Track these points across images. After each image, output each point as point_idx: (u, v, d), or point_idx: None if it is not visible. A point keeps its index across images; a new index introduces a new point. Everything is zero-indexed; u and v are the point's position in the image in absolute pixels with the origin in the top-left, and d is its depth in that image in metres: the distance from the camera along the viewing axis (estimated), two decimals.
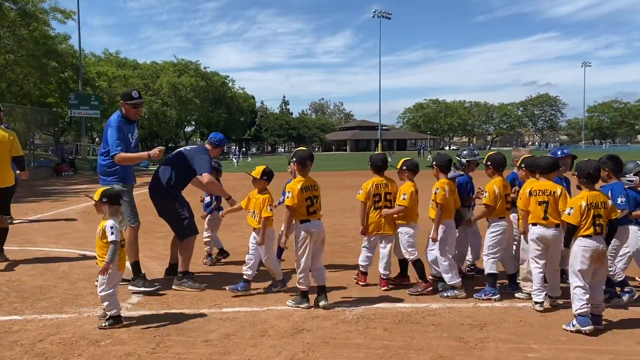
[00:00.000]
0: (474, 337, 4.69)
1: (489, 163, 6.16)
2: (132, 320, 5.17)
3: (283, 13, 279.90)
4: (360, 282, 6.45)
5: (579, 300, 4.83)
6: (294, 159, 5.70)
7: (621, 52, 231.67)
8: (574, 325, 4.81)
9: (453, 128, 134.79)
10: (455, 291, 5.90)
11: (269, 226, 5.92)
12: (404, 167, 6.33)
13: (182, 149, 6.89)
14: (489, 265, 5.96)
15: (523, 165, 6.15)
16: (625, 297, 5.67)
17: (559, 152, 6.39)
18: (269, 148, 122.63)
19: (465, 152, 6.87)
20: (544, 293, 5.48)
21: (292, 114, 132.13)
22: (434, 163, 6.26)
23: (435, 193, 5.93)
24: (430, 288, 6.06)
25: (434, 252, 6.09)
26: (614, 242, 5.52)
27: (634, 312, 5.36)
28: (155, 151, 6.06)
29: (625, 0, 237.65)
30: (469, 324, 5.03)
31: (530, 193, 5.71)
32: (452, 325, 5.02)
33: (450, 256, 6.02)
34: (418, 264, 6.13)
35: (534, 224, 5.55)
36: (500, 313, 5.37)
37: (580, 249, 4.93)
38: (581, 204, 4.94)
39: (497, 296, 5.82)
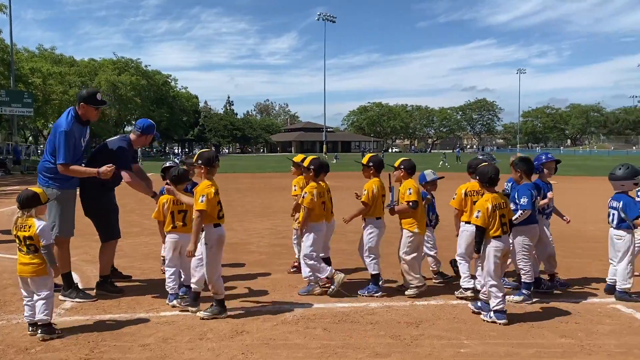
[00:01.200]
0: (410, 334, 4.84)
1: (370, 164, 6.27)
2: (65, 326, 4.99)
3: (227, 13, 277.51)
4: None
5: (495, 297, 5.17)
6: (200, 161, 5.40)
7: (553, 61, 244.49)
8: (491, 318, 5.18)
9: (396, 131, 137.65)
10: (316, 288, 6.09)
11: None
12: (370, 164, 6.33)
13: (107, 140, 6.48)
14: (371, 266, 6.14)
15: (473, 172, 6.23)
16: (519, 298, 5.85)
17: (543, 157, 6.51)
18: (213, 149, 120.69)
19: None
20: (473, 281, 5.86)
21: (236, 114, 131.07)
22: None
23: (302, 197, 6.04)
24: (330, 283, 6.19)
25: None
26: (522, 240, 5.88)
27: (557, 307, 5.67)
28: (105, 169, 5.73)
29: (557, 11, 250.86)
30: (405, 322, 5.18)
31: (465, 194, 6.09)
32: (389, 323, 5.16)
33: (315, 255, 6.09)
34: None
35: (467, 222, 5.81)
36: (435, 310, 5.55)
37: (492, 250, 5.23)
38: (487, 207, 5.23)
39: (379, 293, 6.04)
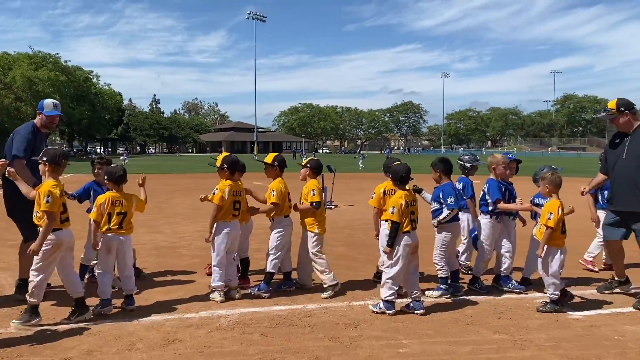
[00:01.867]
0: (349, 335, 4.78)
1: (275, 163, 6.29)
2: None
3: (153, 9, 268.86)
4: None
5: (389, 289, 5.39)
6: (45, 159, 5.00)
7: (474, 66, 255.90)
8: (380, 308, 5.39)
9: (326, 132, 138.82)
10: (216, 294, 5.86)
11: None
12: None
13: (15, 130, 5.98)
14: (271, 264, 6.13)
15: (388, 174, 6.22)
16: (437, 293, 6.04)
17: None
18: (138, 148, 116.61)
19: (467, 157, 6.91)
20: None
21: (163, 113, 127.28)
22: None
23: (213, 193, 5.84)
24: (248, 284, 6.29)
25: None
26: (444, 237, 6.07)
27: (490, 303, 5.82)
28: None
29: (477, 19, 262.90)
30: (343, 323, 5.12)
31: (384, 193, 6.31)
32: (328, 325, 5.08)
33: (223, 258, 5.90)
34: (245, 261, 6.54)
35: (386, 220, 5.88)
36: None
37: (402, 245, 5.38)
38: (401, 203, 5.40)
39: (267, 294, 5.99)
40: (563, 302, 5.56)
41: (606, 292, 6.17)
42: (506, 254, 6.36)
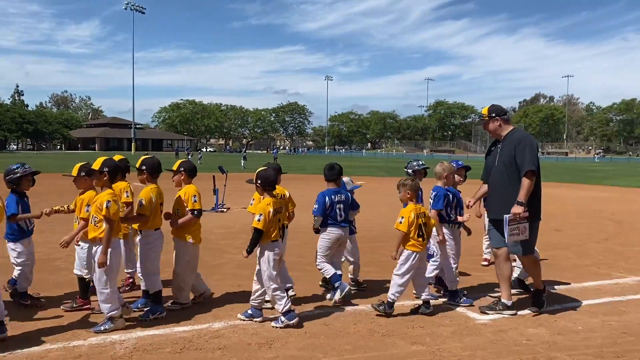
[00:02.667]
0: (264, 357, 4.41)
1: (143, 167, 5.68)
2: None
3: None
4: None
5: (280, 299, 5.18)
6: None
7: (355, 70, 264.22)
8: (282, 322, 5.13)
9: (210, 130, 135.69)
10: (110, 324, 4.97)
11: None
12: (143, 167, 5.72)
13: None
14: (149, 283, 5.56)
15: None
16: (335, 295, 5.94)
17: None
18: None
19: (413, 162, 6.94)
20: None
21: (27, 106, 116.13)
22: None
23: (106, 207, 4.91)
24: (88, 306, 5.55)
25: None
26: (321, 241, 6.14)
27: (400, 311, 5.75)
28: None
29: (358, 24, 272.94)
30: (256, 343, 4.74)
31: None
32: (239, 346, 4.67)
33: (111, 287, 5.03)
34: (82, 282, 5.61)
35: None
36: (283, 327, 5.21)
37: (271, 255, 5.23)
38: (269, 211, 5.24)
39: (163, 314, 5.40)
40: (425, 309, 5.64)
41: (490, 312, 5.70)
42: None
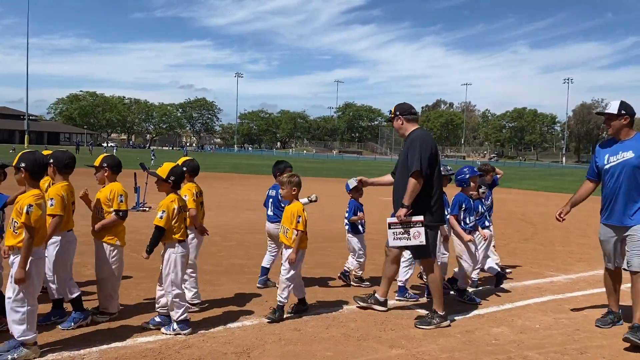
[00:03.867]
0: None
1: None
2: None
3: None
4: None
5: (179, 307, 4.88)
6: None
7: (264, 68, 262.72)
8: (174, 330, 4.86)
9: (112, 124, 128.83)
10: (21, 351, 4.16)
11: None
12: (104, 165, 5.32)
13: None
14: (56, 291, 5.04)
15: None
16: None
17: (466, 170, 6.50)
18: None
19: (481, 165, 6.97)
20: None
21: None
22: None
23: (27, 213, 4.14)
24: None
25: None
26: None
27: (365, 314, 5.75)
28: None
29: (267, 22, 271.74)
30: (232, 352, 4.50)
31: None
32: (216, 356, 4.41)
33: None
34: None
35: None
36: (256, 333, 5.00)
37: (179, 256, 4.98)
38: (174, 208, 4.98)
39: (88, 319, 5.02)
40: (300, 310, 5.66)
41: (361, 303, 5.91)
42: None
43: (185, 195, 5.59)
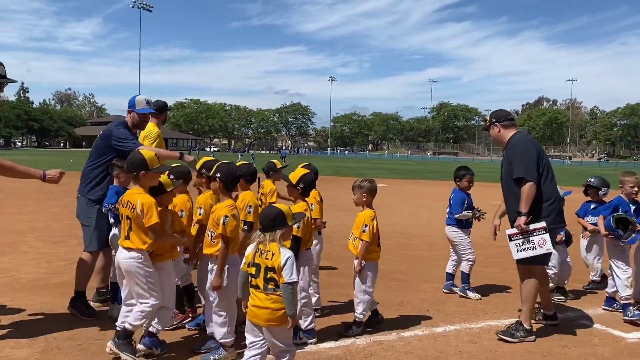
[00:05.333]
0: None
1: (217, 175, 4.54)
2: None
3: None
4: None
5: (307, 314, 4.85)
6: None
7: (355, 71, 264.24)
8: (300, 339, 4.79)
9: (214, 129, 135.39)
10: (222, 352, 4.42)
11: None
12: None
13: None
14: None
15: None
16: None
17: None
18: (2, 141, 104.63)
19: (591, 179, 6.99)
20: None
21: (32, 103, 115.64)
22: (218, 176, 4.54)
23: (223, 224, 4.28)
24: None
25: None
26: None
27: (555, 334, 5.52)
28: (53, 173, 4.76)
29: (358, 25, 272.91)
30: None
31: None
32: None
33: None
34: None
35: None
36: (431, 344, 4.95)
37: (309, 263, 4.95)
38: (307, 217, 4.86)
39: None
40: (372, 324, 5.31)
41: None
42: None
43: (312, 204, 5.37)
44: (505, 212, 5.67)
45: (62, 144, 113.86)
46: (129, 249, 4.28)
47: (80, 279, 5.30)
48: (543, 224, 5.10)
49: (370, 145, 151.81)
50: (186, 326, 5.14)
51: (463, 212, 6.51)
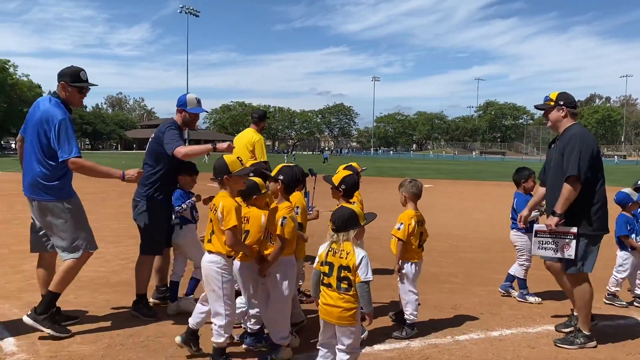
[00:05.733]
0: None
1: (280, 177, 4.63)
2: None
3: None
4: None
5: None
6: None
7: (398, 71, 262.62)
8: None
9: None
10: (279, 353, 4.45)
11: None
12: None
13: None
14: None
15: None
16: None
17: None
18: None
19: None
20: None
21: (86, 107, 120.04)
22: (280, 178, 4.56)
23: (282, 225, 4.33)
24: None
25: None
26: None
27: (615, 339, 5.34)
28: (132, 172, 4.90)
29: (401, 24, 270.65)
30: None
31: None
32: None
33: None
34: None
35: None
36: (488, 348, 4.87)
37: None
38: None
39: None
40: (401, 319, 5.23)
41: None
42: None
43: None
44: (537, 203, 5.50)
45: (114, 147, 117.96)
46: (210, 252, 4.33)
47: (140, 282, 5.43)
48: (574, 229, 4.79)
49: (414, 145, 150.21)
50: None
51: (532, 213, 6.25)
